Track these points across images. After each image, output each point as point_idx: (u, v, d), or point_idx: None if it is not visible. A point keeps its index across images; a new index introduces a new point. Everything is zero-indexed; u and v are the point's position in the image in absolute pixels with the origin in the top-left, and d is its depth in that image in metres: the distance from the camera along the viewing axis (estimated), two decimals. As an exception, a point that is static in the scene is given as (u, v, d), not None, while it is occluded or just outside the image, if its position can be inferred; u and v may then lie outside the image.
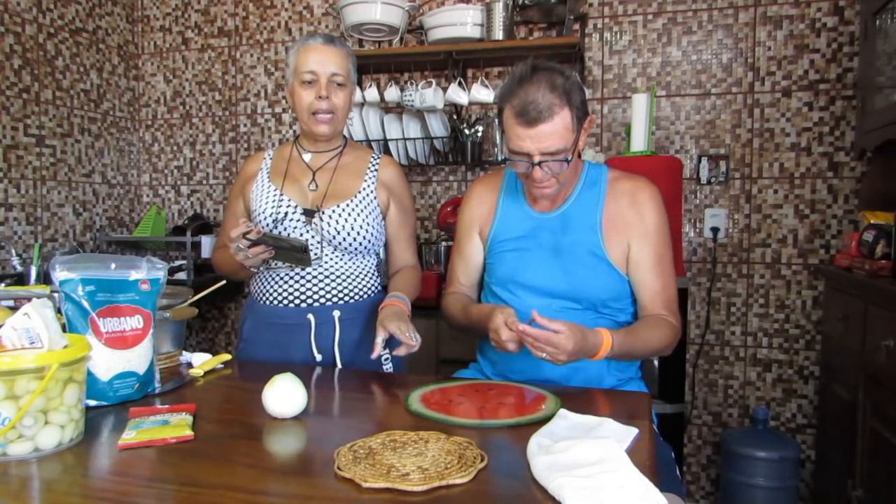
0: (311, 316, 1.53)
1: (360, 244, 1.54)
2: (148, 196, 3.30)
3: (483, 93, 2.48)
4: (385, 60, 2.70)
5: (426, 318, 2.29)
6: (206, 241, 2.83)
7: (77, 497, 0.80)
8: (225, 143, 3.16)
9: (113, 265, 1.14)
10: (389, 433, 0.96)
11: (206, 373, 1.36)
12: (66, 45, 2.80)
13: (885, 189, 2.19)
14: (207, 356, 1.41)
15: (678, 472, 1.37)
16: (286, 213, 1.53)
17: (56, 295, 1.14)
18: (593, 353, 1.24)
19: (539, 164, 1.28)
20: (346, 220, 1.52)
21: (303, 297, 1.53)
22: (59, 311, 1.10)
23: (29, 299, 1.09)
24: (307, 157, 1.61)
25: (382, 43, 2.75)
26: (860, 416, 1.79)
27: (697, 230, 2.61)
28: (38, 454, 0.91)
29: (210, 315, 3.21)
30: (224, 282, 1.58)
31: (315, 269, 1.53)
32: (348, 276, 1.56)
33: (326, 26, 2.97)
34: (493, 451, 0.90)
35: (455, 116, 2.70)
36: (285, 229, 1.52)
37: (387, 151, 2.70)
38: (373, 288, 1.62)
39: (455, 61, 2.61)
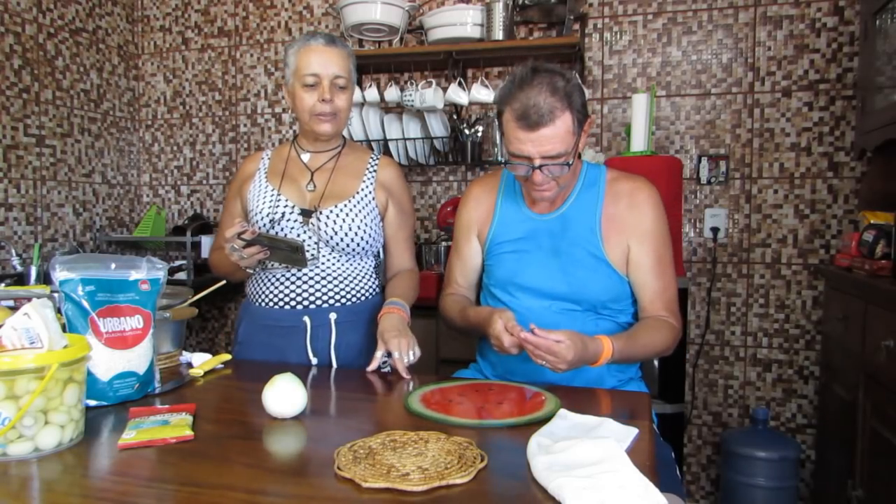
0: (306, 318, 1.51)
1: (358, 245, 1.53)
2: (148, 196, 3.30)
3: (483, 93, 2.48)
4: (385, 60, 2.70)
5: (426, 319, 2.29)
6: (206, 241, 2.83)
7: (77, 497, 0.80)
8: (225, 143, 3.16)
9: (113, 265, 1.14)
10: (389, 433, 0.96)
11: (206, 373, 1.36)
12: (66, 45, 2.80)
13: (885, 189, 2.19)
14: (207, 356, 1.41)
15: (678, 472, 1.37)
16: (283, 214, 1.51)
17: (56, 295, 1.14)
18: (593, 360, 1.25)
19: (540, 167, 1.28)
20: (343, 220, 1.51)
21: (299, 298, 1.52)
22: (59, 311, 1.10)
23: (29, 299, 1.09)
24: (305, 157, 1.60)
25: (382, 43, 2.75)
26: (860, 416, 1.79)
27: (697, 230, 2.61)
28: (38, 454, 0.91)
29: (210, 315, 3.21)
30: (224, 282, 1.57)
31: (312, 271, 1.52)
32: (346, 278, 1.54)
33: (326, 26, 2.97)
34: (493, 451, 0.90)
35: (455, 116, 2.70)
36: (282, 229, 1.51)
37: (387, 151, 2.70)
38: (371, 290, 1.60)
39: (455, 61, 2.61)
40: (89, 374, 1.08)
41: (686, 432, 2.61)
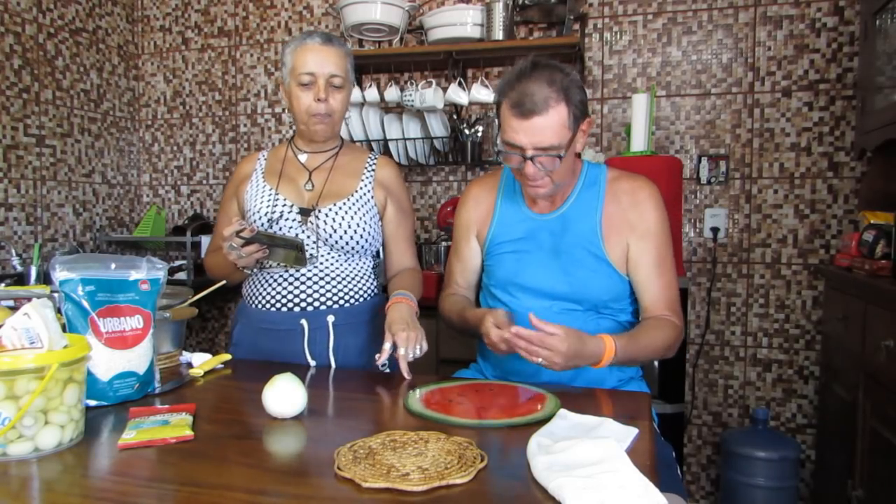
0: (304, 321, 1.49)
1: (357, 243, 1.52)
2: (148, 196, 3.30)
3: (483, 93, 2.48)
4: (385, 60, 2.70)
5: (426, 318, 2.27)
6: (206, 241, 2.82)
7: (77, 497, 0.80)
8: (225, 143, 3.16)
9: (113, 265, 1.14)
10: (389, 433, 0.96)
11: (206, 373, 1.36)
12: (66, 45, 2.80)
13: (885, 189, 2.19)
14: (207, 356, 1.41)
15: (679, 472, 1.36)
16: (282, 213, 1.51)
17: (56, 295, 1.14)
18: (595, 360, 1.23)
19: (531, 158, 1.27)
20: (342, 218, 1.50)
21: (296, 300, 1.50)
22: (59, 311, 1.10)
23: (29, 299, 1.09)
24: (303, 157, 1.59)
25: (382, 43, 2.75)
26: (860, 416, 1.78)
27: (697, 230, 2.61)
28: (38, 454, 0.91)
29: (210, 315, 3.21)
30: (224, 282, 1.56)
31: (310, 271, 1.50)
32: (344, 278, 1.53)
33: (326, 26, 2.97)
34: (493, 451, 0.90)
35: (455, 116, 2.70)
36: (280, 229, 1.50)
37: (387, 151, 2.70)
38: (369, 291, 1.59)
39: (455, 61, 2.61)
40: (89, 374, 1.08)
41: (686, 432, 2.61)
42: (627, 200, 1.39)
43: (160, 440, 0.95)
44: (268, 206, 1.52)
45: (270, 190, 1.55)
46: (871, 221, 1.92)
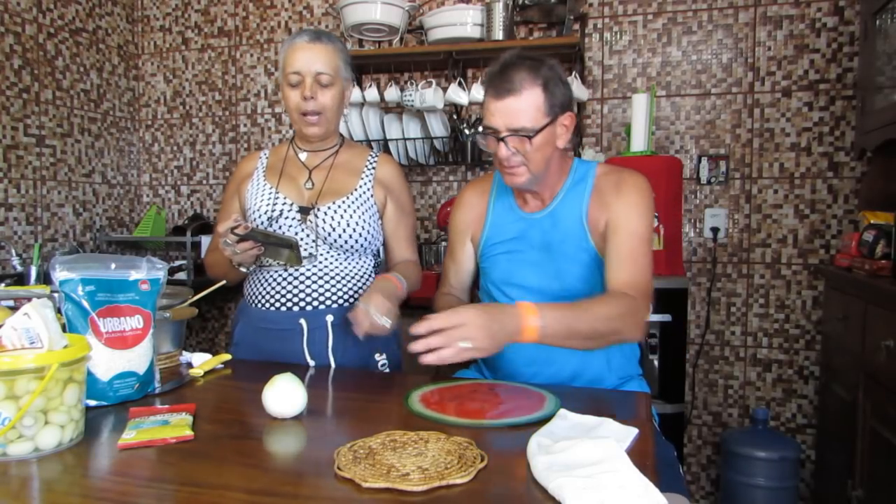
0: (303, 321, 1.49)
1: (357, 241, 1.52)
2: (148, 196, 3.30)
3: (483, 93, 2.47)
4: (385, 60, 2.70)
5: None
6: (206, 241, 2.83)
7: (77, 497, 0.80)
8: (225, 143, 3.16)
9: (113, 265, 1.14)
10: (389, 433, 0.96)
11: (206, 373, 1.36)
12: (66, 45, 2.80)
13: (885, 189, 2.19)
14: (207, 356, 1.41)
15: (681, 472, 1.36)
16: (281, 211, 1.51)
17: (56, 295, 1.14)
18: (516, 323, 1.11)
19: (504, 139, 1.28)
20: (341, 216, 1.50)
21: (295, 299, 1.50)
22: (59, 311, 1.10)
23: (29, 299, 1.09)
24: (303, 156, 1.60)
25: (382, 43, 2.75)
26: (860, 416, 1.79)
27: (697, 230, 2.61)
28: (38, 454, 0.91)
29: (210, 315, 3.21)
30: (224, 282, 1.56)
31: (309, 270, 1.50)
32: (344, 277, 1.53)
33: (326, 26, 2.97)
34: (493, 451, 0.90)
35: (455, 116, 2.70)
36: (280, 227, 1.50)
37: (387, 151, 2.70)
38: None
39: (455, 61, 2.61)
40: (89, 374, 1.08)
41: (686, 432, 2.61)
42: (612, 189, 1.37)
43: (160, 440, 0.95)
44: (268, 205, 1.52)
45: (271, 188, 1.55)
46: (871, 221, 1.92)
